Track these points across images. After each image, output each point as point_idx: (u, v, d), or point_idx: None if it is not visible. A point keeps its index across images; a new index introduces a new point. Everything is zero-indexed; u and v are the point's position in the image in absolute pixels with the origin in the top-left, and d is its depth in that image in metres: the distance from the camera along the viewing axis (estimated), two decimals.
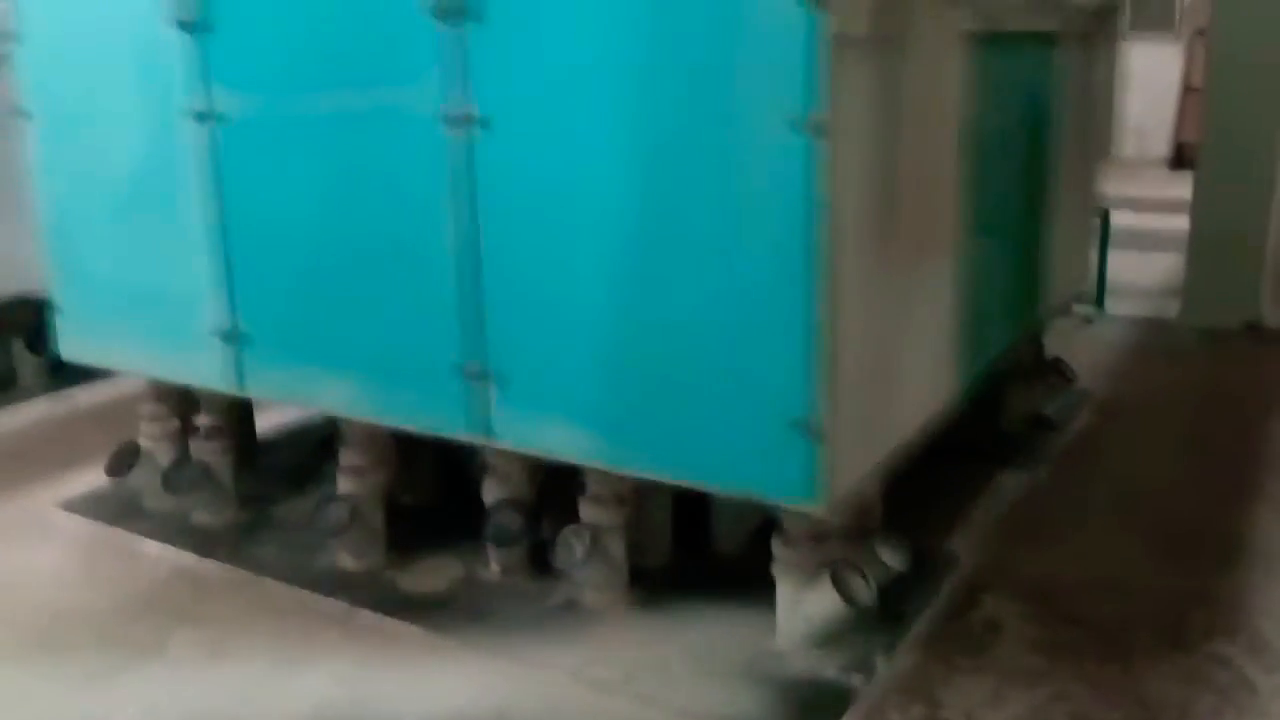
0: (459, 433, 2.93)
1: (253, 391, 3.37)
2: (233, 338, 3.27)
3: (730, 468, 2.55)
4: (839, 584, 2.74)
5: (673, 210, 2.49)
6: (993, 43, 3.03)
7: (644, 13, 2.44)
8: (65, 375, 4.66)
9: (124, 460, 3.75)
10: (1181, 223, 6.12)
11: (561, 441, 2.76)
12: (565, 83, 2.55)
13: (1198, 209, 5.91)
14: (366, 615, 3.09)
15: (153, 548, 3.55)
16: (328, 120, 2.96)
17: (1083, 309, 5.81)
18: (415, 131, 2.79)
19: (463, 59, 2.67)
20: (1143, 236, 7.68)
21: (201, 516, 3.67)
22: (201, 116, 3.15)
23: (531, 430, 2.81)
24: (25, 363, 5.09)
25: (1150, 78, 12.06)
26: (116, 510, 3.79)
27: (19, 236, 3.97)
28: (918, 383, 2.95)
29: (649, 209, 2.52)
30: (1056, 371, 4.53)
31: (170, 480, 3.64)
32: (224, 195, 3.19)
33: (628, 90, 2.49)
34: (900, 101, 2.57)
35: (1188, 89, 11.77)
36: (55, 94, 3.53)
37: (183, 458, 3.71)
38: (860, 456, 2.61)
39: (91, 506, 3.85)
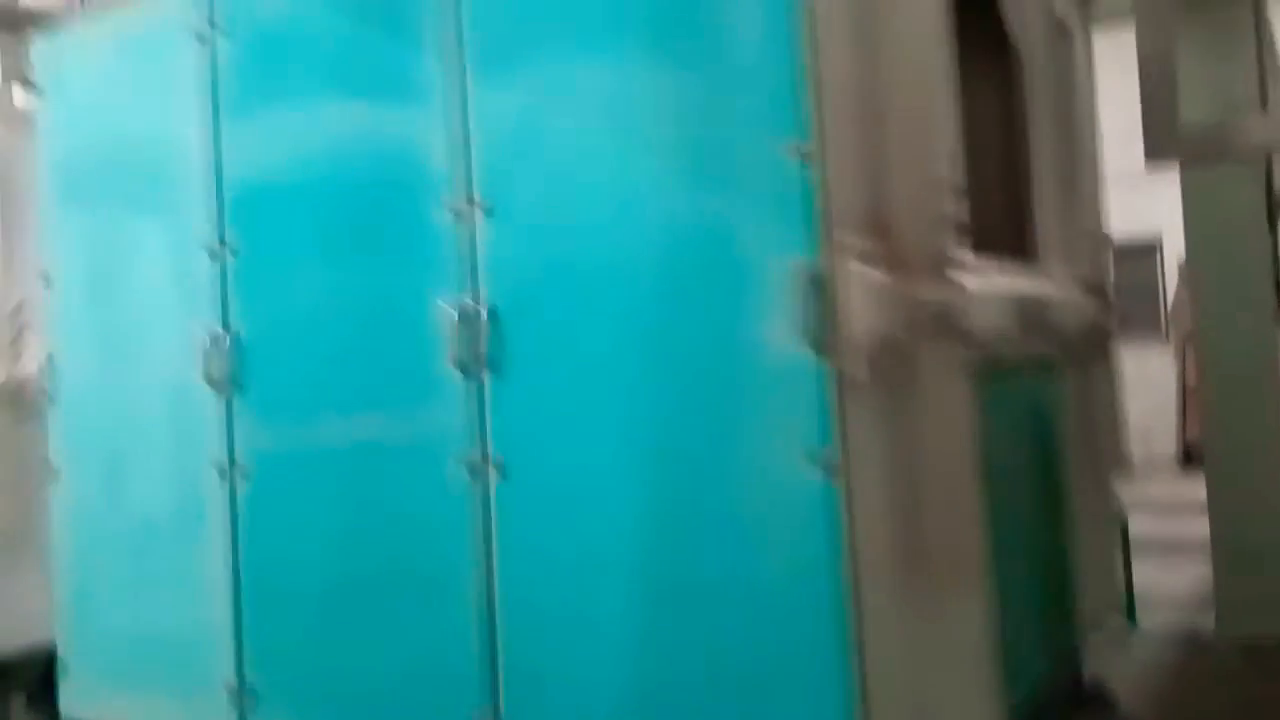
0: None
1: None
2: (240, 691, 3.18)
3: None
4: None
5: (690, 554, 2.48)
6: (996, 372, 3.12)
7: (658, 361, 2.54)
8: None
9: None
10: (1201, 525, 6.05)
11: None
12: (582, 430, 2.62)
13: (1215, 517, 5.83)
14: None
15: None
16: (346, 468, 3.02)
17: (1115, 625, 5.64)
18: (433, 476, 2.83)
19: (481, 407, 2.76)
20: (1164, 542, 7.58)
21: None
22: (224, 469, 3.22)
23: None
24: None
25: (1148, 379, 12.36)
26: None
27: (32, 589, 3.95)
28: None
29: (666, 553, 2.51)
30: (1099, 698, 4.34)
31: None
32: (240, 543, 3.21)
33: (643, 437, 2.55)
34: (912, 437, 2.61)
35: (1186, 389, 12.01)
36: (83, 448, 3.63)
37: None
38: None
39: None
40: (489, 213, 2.74)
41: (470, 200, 2.77)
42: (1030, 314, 3.32)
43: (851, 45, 2.51)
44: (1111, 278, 4.31)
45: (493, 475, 2.74)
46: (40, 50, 3.79)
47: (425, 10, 2.85)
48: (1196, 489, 6.43)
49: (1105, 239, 4.05)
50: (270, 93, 3.18)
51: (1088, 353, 4.09)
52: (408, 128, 2.90)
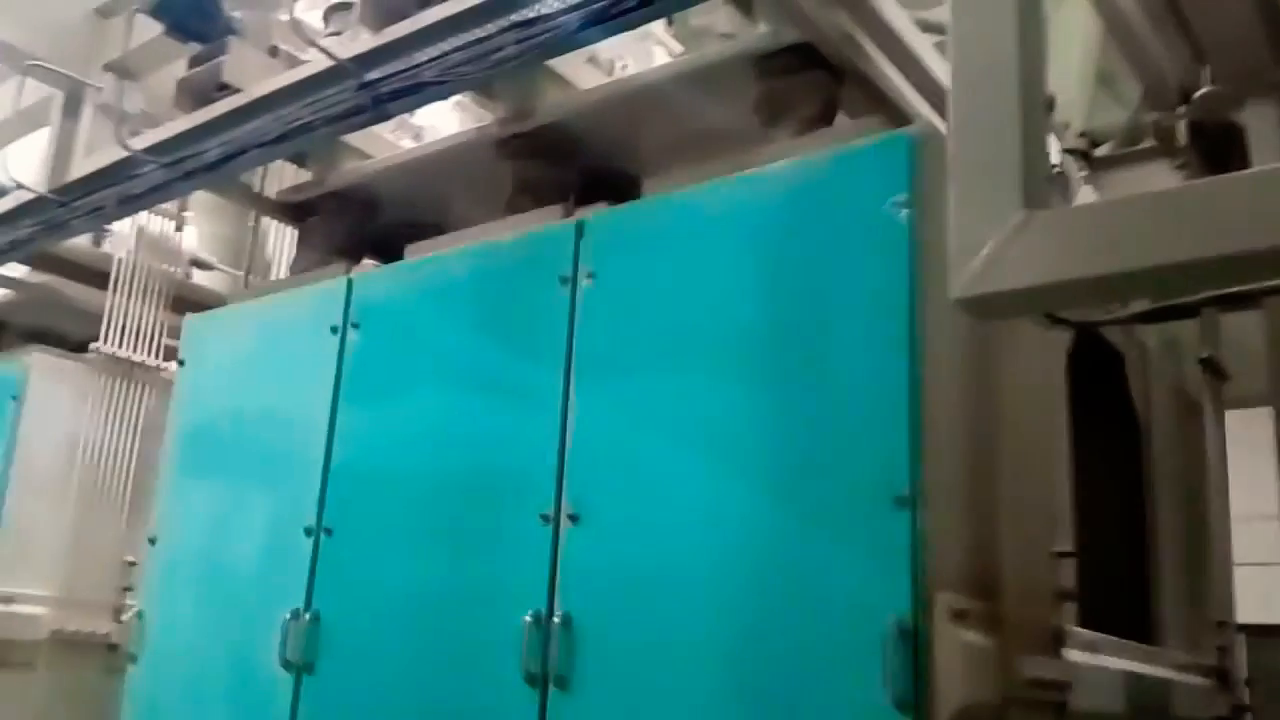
0: None
1: None
2: None
3: None
4: None
5: None
6: None
7: (732, 693, 2.38)
8: None
9: None
10: None
11: None
12: None
13: None
14: None
15: None
16: None
17: None
18: None
19: None
20: None
21: None
22: None
23: None
24: None
25: None
26: None
27: None
28: None
29: None
30: None
31: None
32: None
33: None
34: None
35: None
36: (154, 712, 3.57)
37: None
38: None
39: None
40: (575, 521, 2.71)
41: (559, 507, 2.74)
42: (1144, 699, 3.07)
43: (966, 398, 2.48)
44: (1243, 670, 3.98)
45: None
46: (191, 326, 4.04)
47: (541, 322, 2.94)
48: None
49: (1234, 626, 3.77)
50: (389, 385, 3.28)
51: None
52: (509, 432, 2.94)
